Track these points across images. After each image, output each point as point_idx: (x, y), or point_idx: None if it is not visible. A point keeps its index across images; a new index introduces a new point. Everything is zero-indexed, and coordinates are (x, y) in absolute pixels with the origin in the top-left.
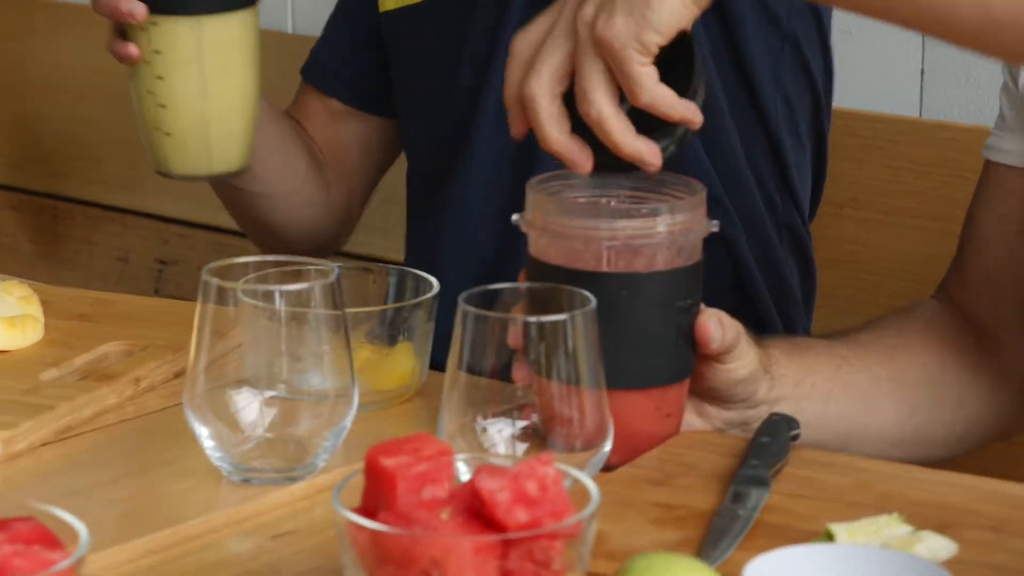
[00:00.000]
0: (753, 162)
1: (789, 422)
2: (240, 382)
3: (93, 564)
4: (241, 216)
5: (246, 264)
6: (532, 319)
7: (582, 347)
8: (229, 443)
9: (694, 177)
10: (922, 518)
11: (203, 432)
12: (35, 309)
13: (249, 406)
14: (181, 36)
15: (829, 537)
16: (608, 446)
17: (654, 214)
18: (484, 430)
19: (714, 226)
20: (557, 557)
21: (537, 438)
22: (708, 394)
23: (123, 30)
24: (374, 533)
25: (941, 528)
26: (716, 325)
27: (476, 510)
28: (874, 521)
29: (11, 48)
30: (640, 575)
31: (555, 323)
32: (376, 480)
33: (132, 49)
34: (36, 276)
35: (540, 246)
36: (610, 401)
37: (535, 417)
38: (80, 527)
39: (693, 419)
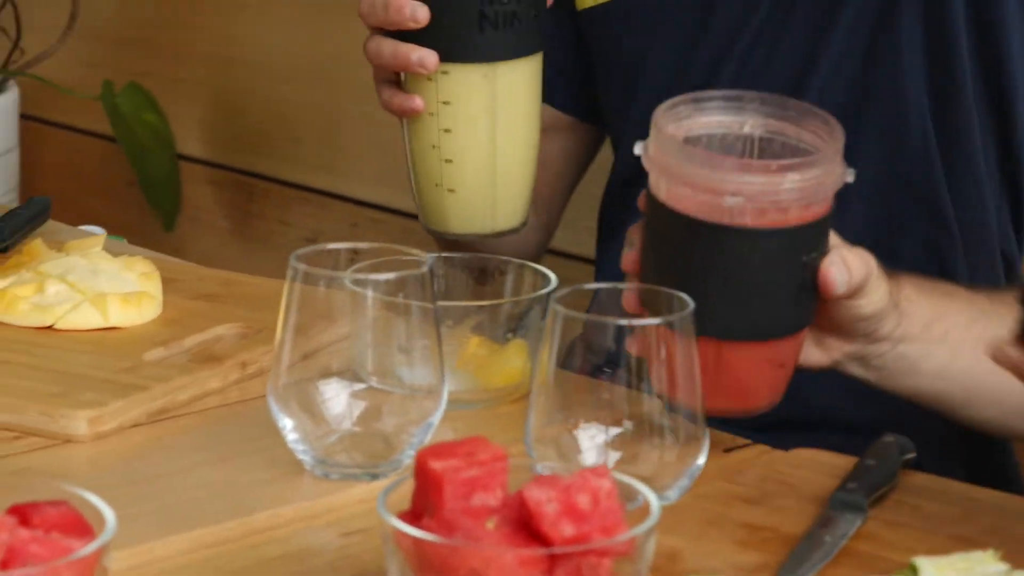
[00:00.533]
0: (991, 176)
1: (902, 445)
2: (328, 373)
3: (150, 552)
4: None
5: (336, 251)
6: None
7: None
8: (312, 436)
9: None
10: None
11: (287, 424)
12: (154, 287)
13: (336, 398)
14: (475, 85)
15: (913, 571)
16: (702, 459)
17: (784, 171)
18: (573, 437)
19: (849, 175)
20: (606, 575)
21: (628, 444)
22: (830, 326)
23: (398, 79)
24: (415, 539)
25: None
26: (841, 270)
27: (524, 521)
28: (967, 557)
29: (221, 25)
30: None
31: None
32: (424, 483)
33: (418, 102)
34: (229, 254)
35: (659, 186)
36: (723, 352)
37: (628, 424)
38: (109, 514)
39: (811, 350)
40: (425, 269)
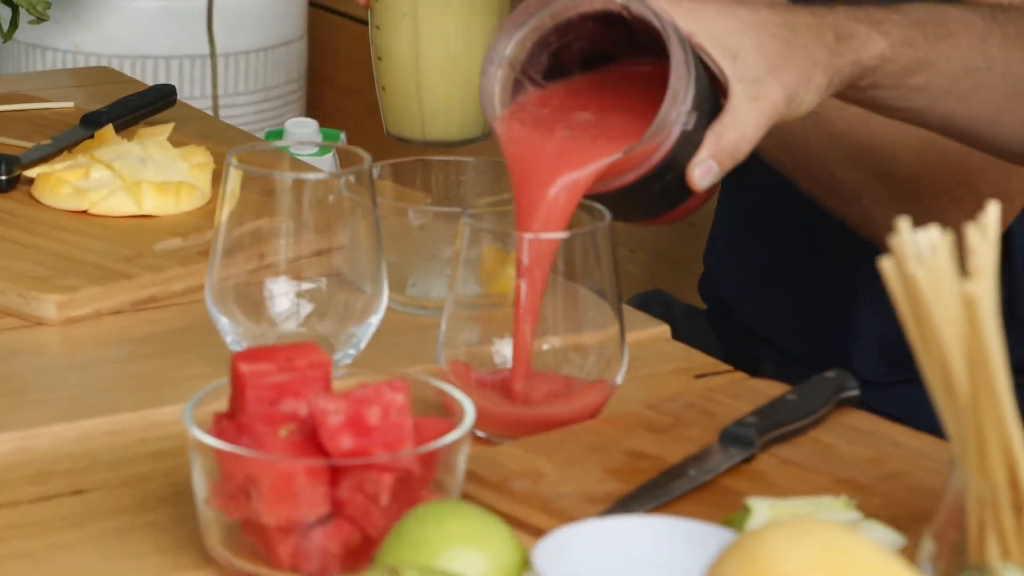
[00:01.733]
0: None
1: (841, 381)
2: (266, 270)
3: (42, 438)
4: None
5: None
6: None
7: None
8: (249, 335)
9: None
10: (905, 506)
11: (223, 322)
12: (203, 179)
13: (280, 296)
14: None
15: (747, 512)
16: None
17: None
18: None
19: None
20: (385, 492)
21: None
22: None
23: None
24: (199, 442)
25: (917, 520)
26: (705, 174)
27: (314, 432)
28: (814, 502)
29: None
30: (414, 524)
31: None
32: (234, 385)
33: None
34: None
35: None
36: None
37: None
38: None
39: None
40: (365, 167)
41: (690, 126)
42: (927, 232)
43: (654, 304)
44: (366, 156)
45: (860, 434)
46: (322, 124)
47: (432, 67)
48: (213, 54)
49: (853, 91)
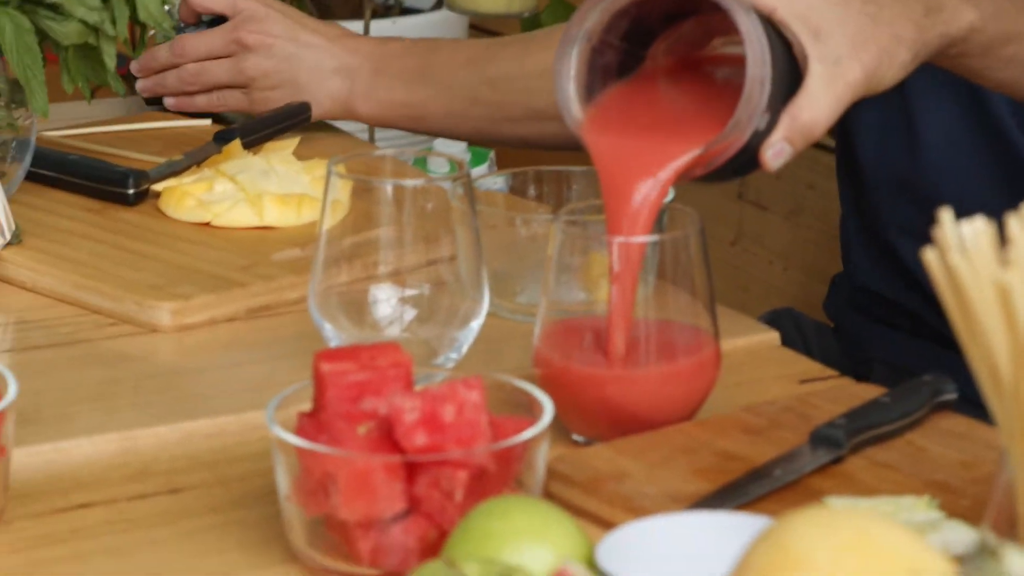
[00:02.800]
0: None
1: (938, 385)
2: (373, 277)
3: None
4: None
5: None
6: None
7: None
8: (353, 341)
9: None
10: None
11: (327, 328)
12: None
13: (383, 302)
14: None
15: None
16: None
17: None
18: None
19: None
20: (460, 488)
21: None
22: None
23: None
24: (280, 440)
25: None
26: (778, 156)
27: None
28: (895, 501)
29: None
30: (480, 518)
31: None
32: (317, 385)
33: None
34: None
35: None
36: None
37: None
38: (12, 381)
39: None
40: (464, 174)
41: (763, 126)
42: (970, 223)
43: (784, 320)
44: (466, 164)
45: (954, 437)
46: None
47: None
48: None
49: (941, 58)
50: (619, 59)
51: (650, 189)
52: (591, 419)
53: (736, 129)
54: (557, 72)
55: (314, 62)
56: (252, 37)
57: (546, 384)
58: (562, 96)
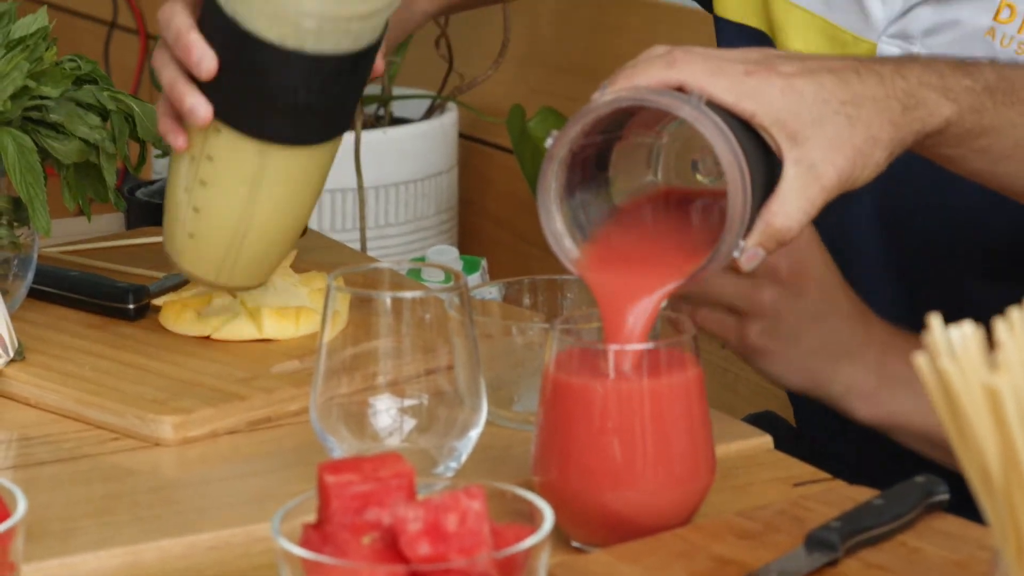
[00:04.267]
0: None
1: (930, 486)
2: (373, 388)
3: (149, 553)
4: None
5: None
6: None
7: None
8: (354, 452)
9: None
10: None
11: (329, 440)
12: (322, 303)
13: (383, 413)
14: (245, 157)
15: None
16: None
17: None
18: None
19: None
20: None
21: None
22: None
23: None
24: (285, 551)
25: None
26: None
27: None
28: None
29: (602, 41)
30: None
31: None
32: (321, 496)
33: (181, 141)
34: None
35: None
36: None
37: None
38: (21, 498)
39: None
40: (462, 284)
41: (740, 249)
42: (959, 327)
43: (763, 424)
44: (463, 275)
45: (948, 538)
46: (473, 253)
47: (259, 233)
48: (360, 187)
49: (916, 147)
50: (596, 151)
51: (641, 312)
52: (589, 526)
53: (716, 260)
54: (543, 206)
55: None
56: None
57: (545, 492)
58: (552, 235)
